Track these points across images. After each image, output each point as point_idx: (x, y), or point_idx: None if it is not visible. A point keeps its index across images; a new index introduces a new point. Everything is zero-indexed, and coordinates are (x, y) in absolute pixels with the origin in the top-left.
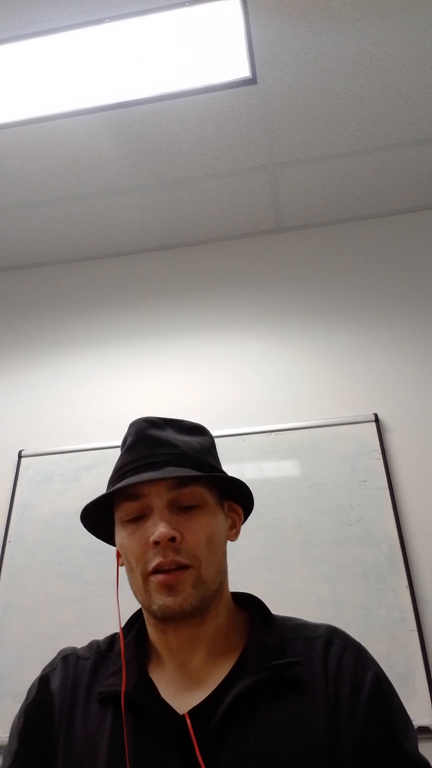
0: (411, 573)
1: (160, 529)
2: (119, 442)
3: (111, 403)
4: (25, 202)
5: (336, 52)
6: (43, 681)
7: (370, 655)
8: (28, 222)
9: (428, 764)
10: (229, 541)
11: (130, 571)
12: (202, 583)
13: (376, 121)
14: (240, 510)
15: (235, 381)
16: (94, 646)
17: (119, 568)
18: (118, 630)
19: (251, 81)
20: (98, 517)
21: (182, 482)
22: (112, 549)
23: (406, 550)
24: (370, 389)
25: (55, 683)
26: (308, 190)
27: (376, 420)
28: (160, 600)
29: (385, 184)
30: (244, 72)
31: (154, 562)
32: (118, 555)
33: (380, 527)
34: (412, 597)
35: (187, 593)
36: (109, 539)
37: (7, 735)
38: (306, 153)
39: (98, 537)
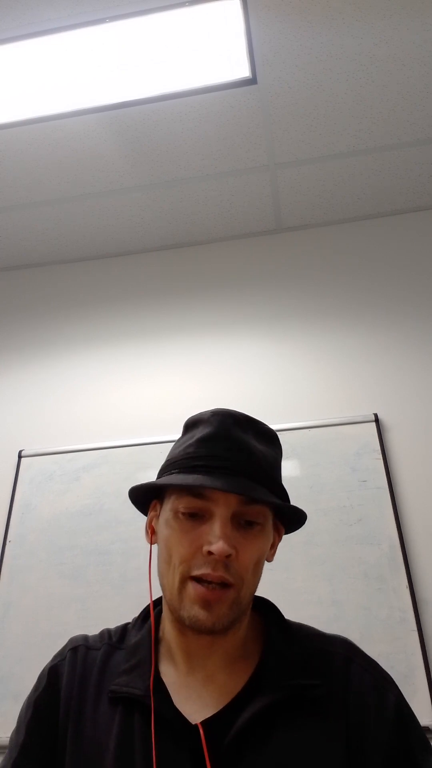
0: (411, 573)
1: (220, 543)
2: (119, 442)
3: (111, 403)
4: (25, 202)
5: (336, 52)
6: (52, 672)
7: (386, 673)
8: (28, 222)
9: None
10: None
11: (166, 565)
12: (238, 604)
13: (376, 121)
14: (282, 530)
15: (236, 381)
16: (105, 635)
17: (152, 546)
18: (125, 618)
19: (251, 81)
20: (148, 493)
21: (253, 501)
22: (113, 550)
23: (407, 550)
24: (370, 389)
25: (64, 676)
26: (308, 190)
27: (376, 420)
28: (194, 611)
29: (385, 184)
30: (244, 72)
31: (201, 570)
32: (152, 531)
33: (381, 527)
34: (413, 597)
35: (222, 613)
36: (144, 509)
37: (8, 735)
38: (306, 153)
39: (141, 508)
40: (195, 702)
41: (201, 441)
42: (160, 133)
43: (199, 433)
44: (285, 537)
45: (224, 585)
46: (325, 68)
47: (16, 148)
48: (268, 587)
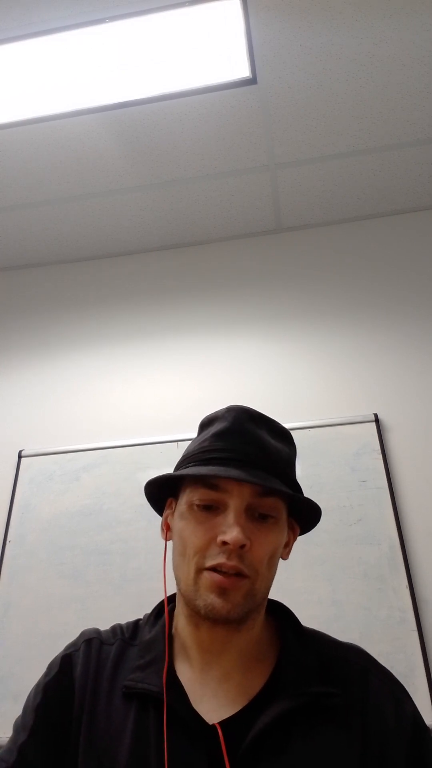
0: (411, 573)
1: (234, 532)
2: (120, 443)
3: (111, 403)
4: (25, 202)
5: (336, 52)
6: (66, 661)
7: (401, 684)
8: (28, 222)
9: None
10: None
11: (181, 557)
12: (252, 596)
13: (376, 121)
14: (297, 529)
15: (235, 381)
16: (117, 631)
17: (167, 543)
18: (126, 618)
19: (251, 81)
20: (163, 488)
21: (267, 491)
22: (113, 549)
23: (407, 550)
24: (370, 389)
25: (77, 666)
26: (308, 190)
27: (376, 420)
28: (210, 598)
29: (385, 184)
30: (244, 72)
31: (216, 560)
32: (167, 527)
33: (381, 527)
34: (413, 597)
35: (238, 601)
36: (159, 508)
37: (8, 735)
38: (306, 153)
39: (155, 504)
40: (210, 701)
41: (216, 435)
42: (160, 133)
43: (214, 429)
44: None
45: (239, 575)
46: (325, 68)
47: (16, 148)
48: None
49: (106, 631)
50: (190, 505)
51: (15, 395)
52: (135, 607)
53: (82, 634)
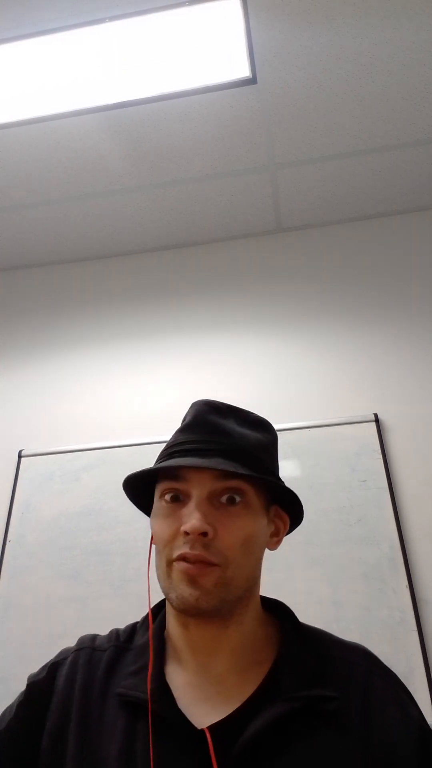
0: (411, 573)
1: (192, 520)
2: (120, 442)
3: (111, 403)
4: (25, 202)
5: (336, 52)
6: (52, 668)
7: (405, 686)
8: (28, 222)
9: None
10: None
11: (156, 553)
12: (225, 585)
13: (376, 121)
14: (286, 518)
15: (235, 381)
16: (113, 636)
17: (152, 544)
18: (125, 619)
19: (251, 81)
20: (141, 489)
21: (228, 476)
22: (113, 550)
23: (407, 551)
24: (370, 389)
25: (60, 677)
26: (308, 190)
27: (376, 420)
28: (180, 589)
29: (385, 184)
30: (244, 72)
31: (181, 550)
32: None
33: (380, 527)
34: (413, 597)
35: (207, 589)
36: (149, 512)
37: None
38: (306, 153)
39: (139, 508)
40: (203, 704)
41: (179, 431)
42: (160, 133)
43: (179, 426)
44: (285, 537)
45: (207, 563)
46: (325, 68)
47: (16, 148)
48: (267, 587)
49: (102, 636)
50: (159, 501)
51: (15, 395)
52: (135, 608)
53: (78, 641)
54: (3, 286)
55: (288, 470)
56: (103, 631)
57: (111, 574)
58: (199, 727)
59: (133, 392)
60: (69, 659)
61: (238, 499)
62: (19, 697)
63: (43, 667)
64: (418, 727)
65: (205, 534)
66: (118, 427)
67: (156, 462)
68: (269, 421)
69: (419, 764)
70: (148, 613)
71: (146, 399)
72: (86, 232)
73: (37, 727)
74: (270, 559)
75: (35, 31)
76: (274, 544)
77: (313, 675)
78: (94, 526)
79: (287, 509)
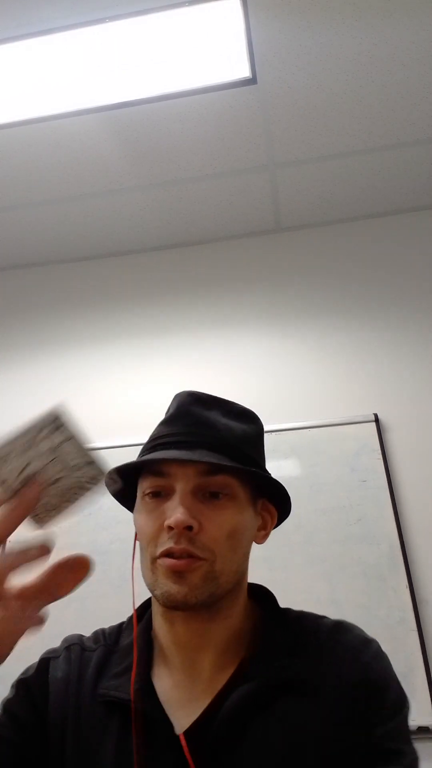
0: (411, 573)
1: (176, 514)
2: (120, 442)
3: (111, 402)
4: (25, 202)
5: (336, 52)
6: (43, 664)
7: (370, 638)
8: (28, 222)
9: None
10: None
11: (141, 550)
12: (213, 578)
13: (376, 121)
14: (274, 511)
15: (235, 381)
16: (99, 637)
17: (136, 541)
18: (124, 619)
19: (251, 81)
20: (124, 484)
21: (213, 469)
22: (112, 549)
23: (406, 550)
24: (370, 389)
25: (56, 672)
26: (308, 190)
27: (376, 420)
28: (166, 586)
29: (385, 184)
30: (244, 72)
31: (166, 546)
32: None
33: (380, 527)
34: (412, 597)
35: (195, 584)
36: (132, 507)
37: None
38: (306, 153)
39: (123, 504)
40: (189, 705)
41: (161, 424)
42: (160, 133)
43: (162, 418)
44: (284, 537)
45: (193, 557)
46: (325, 68)
47: (16, 148)
48: (268, 587)
49: (87, 637)
50: (142, 496)
51: (15, 395)
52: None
53: (64, 640)
54: (3, 286)
55: (288, 470)
56: None
57: (110, 574)
58: (183, 729)
59: (133, 392)
60: (61, 655)
61: (223, 492)
62: (8, 695)
63: (30, 667)
64: (363, 669)
65: (190, 528)
66: (118, 427)
67: (138, 456)
68: (270, 421)
69: (353, 702)
70: (133, 613)
71: (146, 398)
72: (86, 231)
73: (41, 720)
74: (270, 559)
75: (35, 31)
76: (261, 538)
77: (283, 651)
78: (94, 526)
79: (275, 502)
